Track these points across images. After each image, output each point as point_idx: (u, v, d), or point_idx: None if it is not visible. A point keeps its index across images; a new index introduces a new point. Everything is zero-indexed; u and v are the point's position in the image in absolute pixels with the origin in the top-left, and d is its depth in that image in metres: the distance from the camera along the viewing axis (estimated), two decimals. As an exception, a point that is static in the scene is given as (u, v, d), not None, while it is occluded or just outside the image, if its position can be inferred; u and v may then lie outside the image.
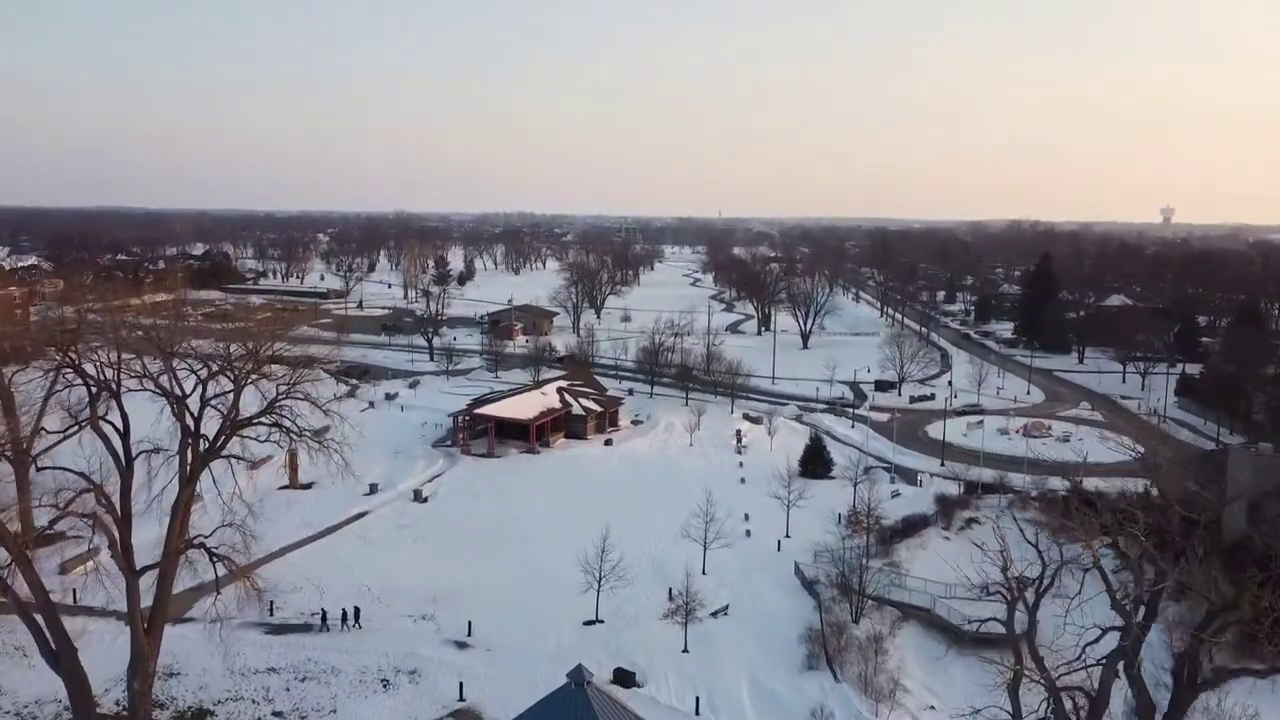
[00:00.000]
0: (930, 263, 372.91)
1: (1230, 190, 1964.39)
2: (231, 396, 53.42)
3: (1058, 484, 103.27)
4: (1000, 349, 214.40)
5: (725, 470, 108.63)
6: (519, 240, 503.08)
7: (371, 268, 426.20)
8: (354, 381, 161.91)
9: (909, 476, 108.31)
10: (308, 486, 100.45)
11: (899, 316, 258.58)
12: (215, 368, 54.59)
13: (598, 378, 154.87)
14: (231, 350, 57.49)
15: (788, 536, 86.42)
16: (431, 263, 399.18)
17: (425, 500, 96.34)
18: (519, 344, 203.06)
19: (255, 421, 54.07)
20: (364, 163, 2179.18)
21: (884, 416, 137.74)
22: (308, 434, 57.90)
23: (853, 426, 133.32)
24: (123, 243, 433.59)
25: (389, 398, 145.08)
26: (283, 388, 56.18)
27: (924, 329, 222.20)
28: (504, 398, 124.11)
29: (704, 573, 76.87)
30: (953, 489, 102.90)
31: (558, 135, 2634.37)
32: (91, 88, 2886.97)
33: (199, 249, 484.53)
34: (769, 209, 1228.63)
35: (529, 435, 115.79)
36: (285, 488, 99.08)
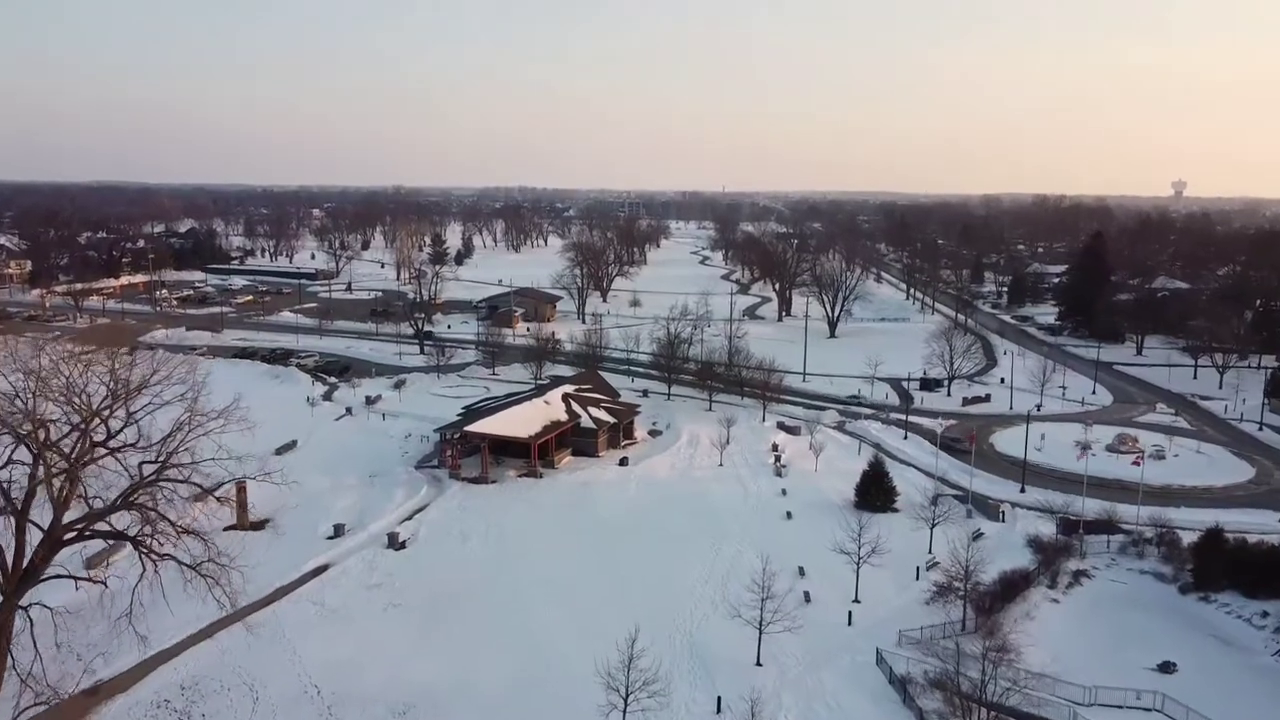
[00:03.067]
0: (948, 239, 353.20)
1: (1241, 164, 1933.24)
2: (60, 489, 34.63)
3: (1176, 515, 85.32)
4: (1044, 336, 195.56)
5: (766, 500, 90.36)
6: (519, 216, 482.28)
7: (365, 246, 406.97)
8: (333, 380, 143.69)
9: (987, 509, 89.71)
10: (260, 526, 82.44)
11: (929, 300, 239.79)
12: (37, 445, 35.54)
13: (607, 375, 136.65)
14: (44, 413, 37.78)
15: (857, 601, 68.29)
16: (428, 240, 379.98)
17: (403, 546, 78.02)
18: (519, 333, 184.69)
19: (88, 532, 35.50)
20: (365, 137, 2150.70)
21: (939, 425, 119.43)
22: (177, 547, 38.55)
23: (905, 438, 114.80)
24: (108, 220, 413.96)
25: (369, 402, 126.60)
26: (149, 466, 37.15)
27: (961, 315, 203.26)
28: (500, 407, 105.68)
29: (759, 663, 58.91)
30: (1043, 525, 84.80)
31: (560, 109, 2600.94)
32: (90, 61, 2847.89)
33: (189, 225, 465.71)
34: (772, 183, 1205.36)
35: (530, 453, 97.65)
36: (231, 528, 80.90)
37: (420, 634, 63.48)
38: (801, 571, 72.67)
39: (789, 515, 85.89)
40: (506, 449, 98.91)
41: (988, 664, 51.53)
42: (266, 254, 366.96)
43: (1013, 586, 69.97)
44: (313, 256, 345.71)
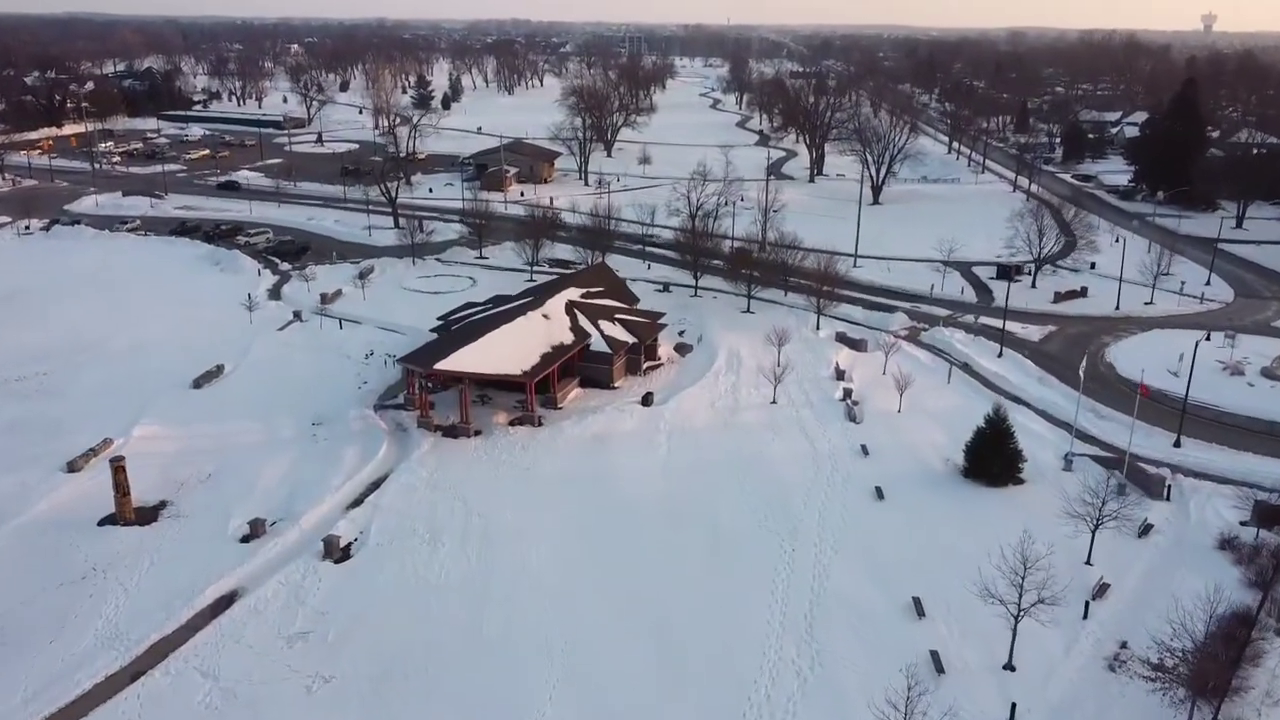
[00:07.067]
0: (981, 80, 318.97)
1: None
2: None
3: None
4: (1117, 203, 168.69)
5: (843, 466, 66.86)
6: (512, 54, 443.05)
7: (344, 87, 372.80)
8: (286, 267, 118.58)
9: (1144, 479, 66.02)
10: (152, 516, 59.31)
11: (978, 157, 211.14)
12: None
13: (618, 260, 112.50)
14: None
15: (1010, 668, 46.09)
16: (411, 81, 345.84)
17: (346, 555, 55.24)
18: (512, 198, 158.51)
19: None
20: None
21: (1038, 333, 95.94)
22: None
23: (1000, 355, 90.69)
24: (59, 59, 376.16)
25: (324, 301, 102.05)
26: None
27: (1024, 178, 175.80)
28: (486, 322, 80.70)
29: (891, 821, 37.16)
30: (1224, 507, 61.95)
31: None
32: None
33: (154, 63, 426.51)
34: (779, 16, 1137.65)
35: (526, 390, 74.16)
36: (109, 520, 58.13)
37: (359, 741, 41.48)
38: (919, 608, 50.17)
39: (879, 494, 62.86)
40: (495, 381, 75.37)
41: None
42: (233, 97, 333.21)
43: (1235, 641, 47.65)
44: (284, 100, 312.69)
